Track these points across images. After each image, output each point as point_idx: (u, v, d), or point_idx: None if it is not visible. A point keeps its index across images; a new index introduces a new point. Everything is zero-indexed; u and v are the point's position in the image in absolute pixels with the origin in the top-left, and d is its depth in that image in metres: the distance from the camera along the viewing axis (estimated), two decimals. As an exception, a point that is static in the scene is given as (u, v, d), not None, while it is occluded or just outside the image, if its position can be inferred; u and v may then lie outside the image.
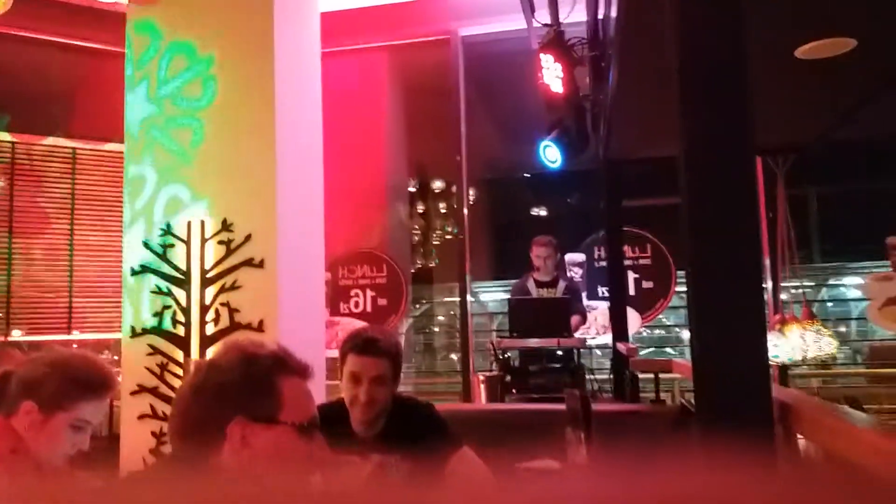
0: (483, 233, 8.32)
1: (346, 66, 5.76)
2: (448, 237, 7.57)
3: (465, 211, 5.19)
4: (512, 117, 6.48)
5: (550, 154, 3.59)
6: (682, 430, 2.25)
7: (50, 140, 5.12)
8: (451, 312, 9.51)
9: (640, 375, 3.41)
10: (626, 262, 4.63)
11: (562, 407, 2.72)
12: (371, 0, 5.76)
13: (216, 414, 1.01)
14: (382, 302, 5.31)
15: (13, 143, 5.05)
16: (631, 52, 2.96)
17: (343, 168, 5.13)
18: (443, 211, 7.49)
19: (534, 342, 3.63)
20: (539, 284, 4.31)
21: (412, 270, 6.93)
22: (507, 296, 8.98)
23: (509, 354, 3.81)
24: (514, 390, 3.68)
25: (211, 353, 3.88)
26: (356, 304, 5.31)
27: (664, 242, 5.17)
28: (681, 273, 5.82)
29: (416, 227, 7.27)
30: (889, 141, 5.79)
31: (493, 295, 9.68)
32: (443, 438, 1.92)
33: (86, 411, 1.52)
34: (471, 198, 5.69)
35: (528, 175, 7.99)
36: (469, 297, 5.28)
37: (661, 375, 3.04)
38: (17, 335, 4.75)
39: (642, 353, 5.83)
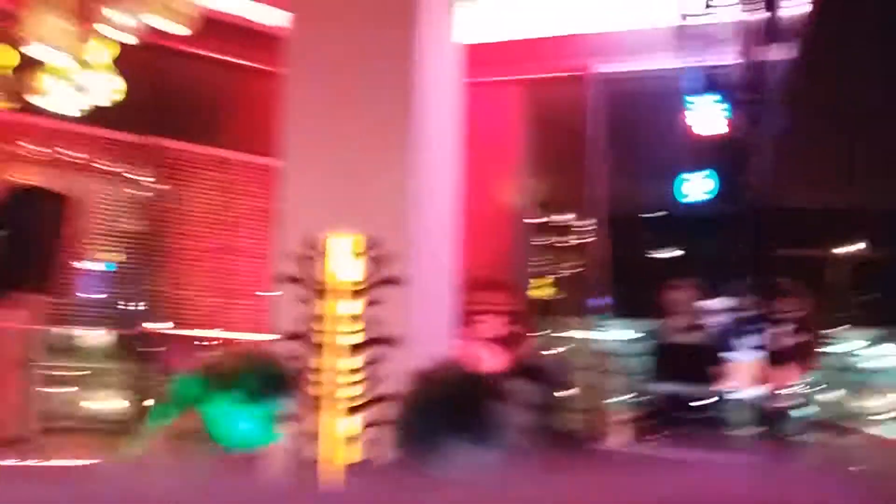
0: (606, 271, 8.15)
1: (480, 98, 5.86)
2: (570, 271, 7.47)
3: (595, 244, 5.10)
4: (644, 156, 6.37)
5: (690, 189, 3.48)
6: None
7: (209, 150, 5.50)
8: (566, 348, 9.28)
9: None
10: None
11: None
12: (508, 34, 5.86)
13: (433, 429, 1.09)
14: (509, 330, 5.28)
15: (178, 150, 5.45)
16: (805, 96, 2.84)
17: (473, 196, 5.19)
18: (566, 244, 7.42)
19: (678, 387, 3.50)
20: (677, 331, 4.16)
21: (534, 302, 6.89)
22: (624, 335, 8.72)
23: (651, 401, 3.69)
24: (656, 436, 3.55)
25: (347, 361, 3.99)
26: (482, 330, 5.31)
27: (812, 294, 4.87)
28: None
29: (540, 258, 7.24)
30: None
31: (615, 333, 9.39)
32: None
33: (274, 406, 1.59)
34: (594, 232, 5.62)
35: (660, 214, 7.78)
36: (595, 334, 5.16)
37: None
38: (164, 327, 5.05)
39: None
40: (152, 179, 5.38)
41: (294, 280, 4.16)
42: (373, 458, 3.40)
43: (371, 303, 4.04)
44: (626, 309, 7.03)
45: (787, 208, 4.05)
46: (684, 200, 3.73)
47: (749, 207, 4.13)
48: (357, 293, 4.05)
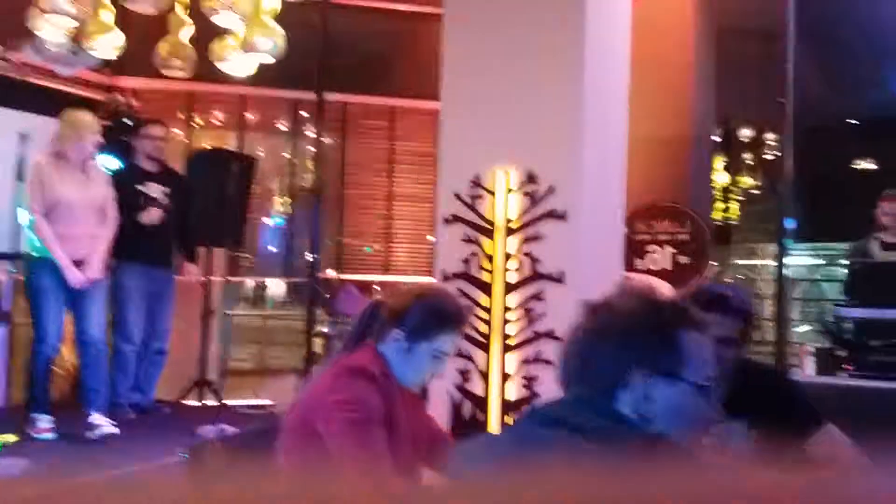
0: (794, 188, 7.43)
1: (652, 4, 5.40)
2: (753, 192, 6.89)
3: (789, 160, 4.62)
4: (840, 59, 5.61)
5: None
6: None
7: (373, 99, 5.64)
8: (748, 276, 8.72)
9: None
10: None
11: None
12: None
13: (619, 361, 0.97)
14: (683, 260, 5.00)
15: (344, 103, 5.65)
16: None
17: (646, 115, 4.86)
18: (749, 162, 6.82)
19: (879, 312, 3.12)
20: (886, 246, 3.68)
21: (712, 227, 6.45)
22: (818, 260, 7.95)
23: (844, 326, 3.33)
24: (847, 366, 3.21)
25: (512, 298, 3.99)
26: (653, 261, 5.07)
27: None
28: None
29: (720, 178, 6.72)
30: None
31: (797, 259, 8.66)
32: (801, 411, 1.70)
33: (446, 343, 1.60)
34: (783, 147, 5.06)
35: (857, 122, 6.90)
36: (784, 260, 4.72)
37: None
38: (331, 273, 5.34)
39: None
40: (322, 134, 5.66)
41: (458, 220, 4.21)
42: (535, 396, 3.40)
43: (535, 238, 3.99)
44: (820, 230, 6.37)
45: None
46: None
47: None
48: (521, 229, 4.02)
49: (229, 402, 4.80)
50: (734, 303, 1.73)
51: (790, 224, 4.72)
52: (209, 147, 5.39)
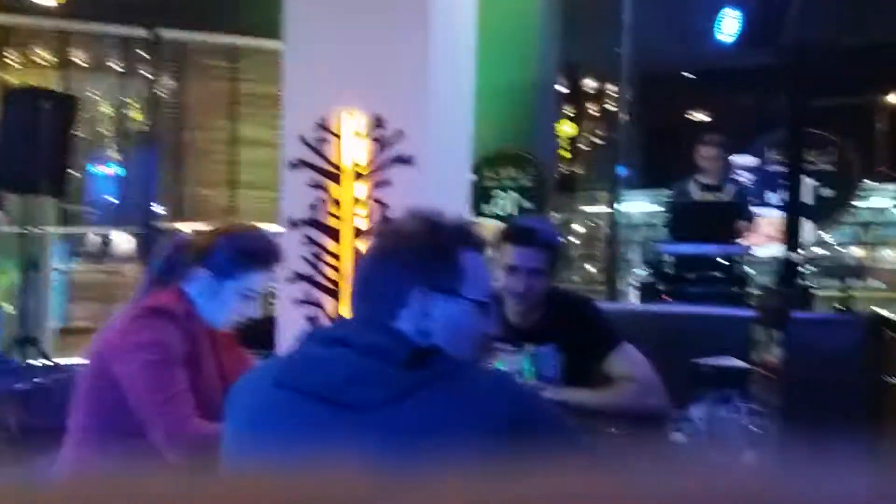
0: (635, 138, 7.86)
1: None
2: (596, 142, 7.22)
3: (623, 110, 4.86)
4: (676, 9, 5.91)
5: (728, 26, 3.19)
6: (876, 340, 2.01)
7: (214, 37, 5.31)
8: (591, 223, 9.20)
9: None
10: (806, 168, 4.16)
11: (729, 313, 2.52)
12: None
13: (399, 280, 0.97)
14: (527, 205, 5.18)
15: (183, 43, 5.28)
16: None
17: (492, 62, 4.92)
18: (594, 114, 7.13)
19: (694, 247, 3.39)
20: (703, 187, 3.98)
21: (556, 176, 6.71)
22: (656, 207, 8.51)
23: (665, 260, 3.59)
24: (666, 297, 3.48)
25: (361, 244, 3.97)
26: (499, 207, 5.22)
27: (851, 146, 4.58)
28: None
29: (565, 127, 6.97)
30: None
31: (639, 206, 9.22)
32: (602, 332, 1.82)
33: (255, 282, 1.55)
34: (627, 97, 5.32)
35: (693, 76, 7.37)
36: (616, 205, 5.01)
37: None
38: (180, 226, 5.08)
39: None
40: (158, 74, 5.27)
41: (304, 164, 4.09)
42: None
43: (383, 184, 3.96)
44: (657, 178, 6.81)
45: (828, 47, 3.72)
46: (720, 33, 3.41)
47: (785, 51, 3.81)
48: (369, 174, 3.98)
49: (62, 361, 4.48)
50: (542, 236, 1.81)
51: (623, 172, 4.99)
52: (18, 86, 4.88)
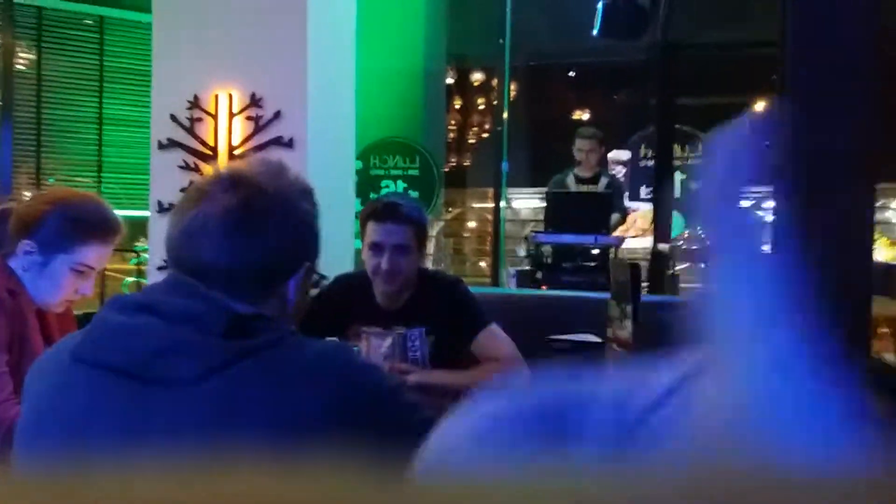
0: (521, 135, 8.02)
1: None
2: (485, 136, 7.30)
3: (506, 101, 4.92)
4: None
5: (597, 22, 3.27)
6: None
7: (78, 6, 4.92)
8: (484, 218, 9.33)
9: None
10: (675, 163, 4.37)
11: (595, 296, 2.59)
12: None
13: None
14: (414, 194, 5.15)
15: (39, 8, 4.86)
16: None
17: (377, 50, 4.85)
18: (481, 107, 7.19)
19: (570, 238, 3.47)
20: (579, 180, 4.10)
21: (445, 170, 6.72)
22: (542, 203, 8.74)
23: (543, 250, 3.66)
24: (543, 286, 3.54)
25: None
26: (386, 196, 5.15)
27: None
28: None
29: (453, 122, 7.00)
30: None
31: (527, 202, 9.44)
32: (470, 314, 1.80)
33: (89, 256, 1.41)
34: (511, 92, 5.39)
35: (574, 73, 7.59)
36: (503, 203, 5.10)
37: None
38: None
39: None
40: (12, 44, 4.83)
41: (175, 144, 3.87)
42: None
43: (261, 167, 3.81)
44: (543, 173, 6.97)
45: (695, 45, 3.91)
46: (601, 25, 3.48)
47: (658, 49, 3.96)
48: (243, 155, 3.81)
49: None
50: (405, 211, 1.77)
51: (506, 168, 5.06)
52: None
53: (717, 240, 0.33)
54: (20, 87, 4.84)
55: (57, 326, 1.48)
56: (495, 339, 1.75)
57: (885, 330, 2.61)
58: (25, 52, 4.90)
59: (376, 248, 1.77)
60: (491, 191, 8.31)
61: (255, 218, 0.84)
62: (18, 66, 4.87)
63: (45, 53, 4.86)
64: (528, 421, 0.37)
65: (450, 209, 8.59)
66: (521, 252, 6.31)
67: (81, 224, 1.39)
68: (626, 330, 1.29)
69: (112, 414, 0.77)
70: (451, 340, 1.80)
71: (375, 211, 1.80)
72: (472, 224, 9.35)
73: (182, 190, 3.86)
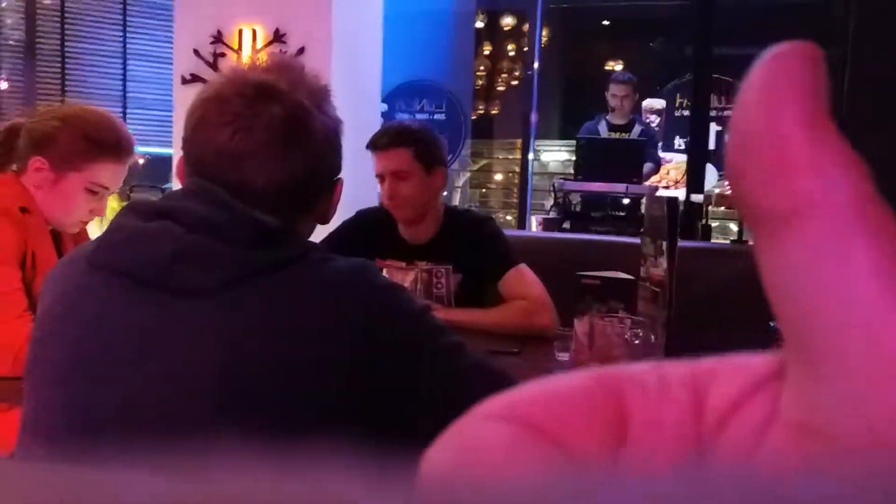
0: (551, 85, 7.81)
1: None
2: (513, 83, 7.11)
3: (537, 47, 4.76)
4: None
5: None
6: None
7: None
8: (510, 171, 9.19)
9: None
10: (711, 113, 4.21)
11: (625, 240, 2.51)
12: None
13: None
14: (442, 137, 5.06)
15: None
16: None
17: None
18: (510, 53, 6.98)
19: (600, 186, 3.36)
20: (612, 127, 3.97)
21: (473, 117, 6.59)
22: (571, 155, 8.56)
23: (570, 199, 3.56)
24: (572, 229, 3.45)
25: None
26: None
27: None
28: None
29: (481, 68, 6.82)
30: None
31: (556, 154, 9.27)
32: (499, 252, 1.73)
33: (102, 175, 1.36)
34: (543, 38, 5.21)
35: (608, 21, 7.33)
36: (530, 154, 4.98)
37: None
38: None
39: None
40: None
41: (198, 79, 3.80)
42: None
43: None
44: (573, 124, 6.80)
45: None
46: None
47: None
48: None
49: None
50: (399, 134, 1.71)
51: (535, 119, 4.93)
52: None
53: None
54: (43, 21, 4.78)
55: (72, 247, 1.43)
56: (523, 278, 1.69)
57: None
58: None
59: (379, 178, 1.72)
60: (518, 142, 8.17)
61: (299, 134, 0.80)
62: (42, 0, 4.81)
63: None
64: None
65: (475, 160, 8.46)
66: (549, 203, 6.22)
67: (95, 141, 1.33)
68: (660, 268, 1.21)
69: (126, 320, 0.73)
70: (477, 278, 1.74)
71: (372, 141, 1.74)
72: (498, 177, 9.22)
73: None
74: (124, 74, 4.83)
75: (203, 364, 0.69)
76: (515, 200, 8.36)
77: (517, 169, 9.15)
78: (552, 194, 3.75)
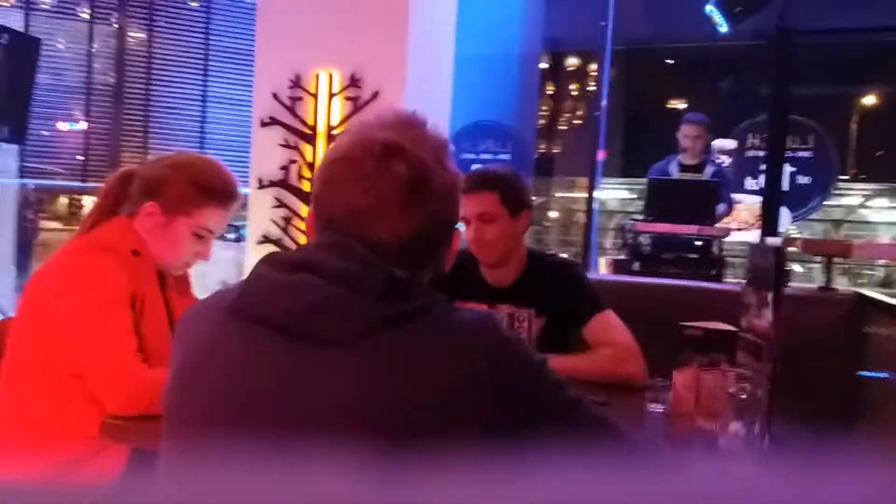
0: (613, 123, 7.81)
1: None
2: (576, 122, 7.14)
3: (605, 88, 4.78)
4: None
5: (716, 18, 3.12)
6: (860, 318, 1.96)
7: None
8: (566, 207, 9.14)
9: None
10: (786, 154, 4.13)
11: (706, 285, 2.47)
12: None
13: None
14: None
15: (152, -10, 5.05)
16: None
17: (473, 32, 4.79)
18: (574, 93, 7.03)
19: (671, 227, 3.32)
20: (683, 168, 3.93)
21: (535, 156, 6.62)
22: (631, 194, 8.47)
23: (640, 240, 3.52)
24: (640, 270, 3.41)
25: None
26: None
27: (831, 135, 4.57)
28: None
29: (544, 107, 6.87)
30: None
31: (615, 193, 9.19)
32: (584, 297, 1.73)
33: (209, 219, 1.42)
34: (608, 77, 5.22)
35: (673, 60, 7.31)
36: (596, 192, 4.96)
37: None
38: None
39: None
40: (125, 24, 5.04)
41: (276, 122, 3.95)
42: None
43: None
44: (635, 165, 6.76)
45: (814, 31, 3.66)
46: (714, 18, 3.35)
47: (773, 33, 3.74)
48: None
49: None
50: (485, 178, 1.73)
51: (601, 158, 4.92)
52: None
53: None
54: (131, 66, 5.05)
55: (175, 289, 1.50)
56: (610, 324, 1.68)
57: None
58: (136, 32, 5.10)
59: (465, 221, 1.74)
60: (576, 180, 8.14)
61: (423, 190, 0.83)
62: (130, 46, 5.09)
63: (155, 33, 5.05)
64: None
65: (534, 197, 8.48)
66: (609, 244, 6.14)
67: (203, 187, 1.40)
68: (764, 319, 1.19)
69: (270, 368, 0.76)
70: (560, 323, 1.74)
71: (474, 180, 1.76)
72: (553, 214, 9.18)
73: (282, 168, 3.96)
74: (203, 117, 5.05)
75: (338, 410, 0.72)
76: (572, 238, 8.29)
77: (574, 207, 9.10)
78: (621, 234, 3.72)
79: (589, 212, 4.93)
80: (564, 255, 2.01)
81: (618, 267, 3.46)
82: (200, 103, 5.04)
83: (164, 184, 1.39)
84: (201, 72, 5.04)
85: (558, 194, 8.94)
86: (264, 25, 4.03)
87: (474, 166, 5.20)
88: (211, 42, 5.05)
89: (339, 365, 0.74)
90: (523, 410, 0.76)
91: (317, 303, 0.75)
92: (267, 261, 0.82)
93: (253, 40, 4.14)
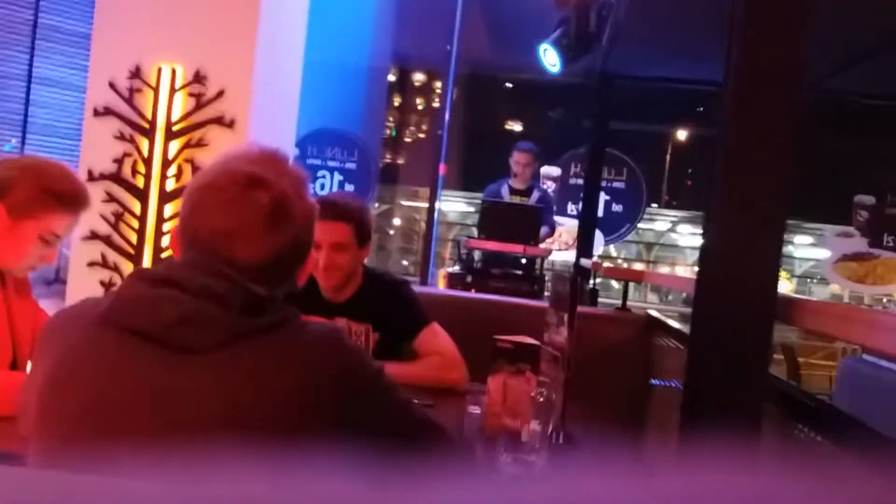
0: (454, 139, 8.18)
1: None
2: (421, 136, 7.41)
3: (448, 106, 5.04)
4: (509, 14, 6.21)
5: (550, 58, 3.46)
6: (650, 335, 2.30)
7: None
8: (410, 216, 9.40)
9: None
10: (601, 184, 4.62)
11: (528, 301, 2.74)
12: None
13: None
14: (350, 187, 5.20)
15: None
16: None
17: (323, 41, 4.87)
18: (419, 107, 7.29)
19: (500, 245, 3.62)
20: (513, 191, 4.27)
21: (380, 164, 6.79)
22: (469, 207, 8.90)
23: (474, 255, 3.80)
24: (473, 290, 3.69)
25: (170, 207, 3.76)
26: (322, 186, 5.18)
27: (641, 170, 5.17)
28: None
29: (391, 119, 7.07)
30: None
31: (455, 205, 9.57)
32: (413, 314, 1.90)
33: (58, 225, 1.42)
34: (447, 95, 5.51)
35: (511, 84, 7.80)
36: (437, 204, 5.21)
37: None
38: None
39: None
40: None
41: (111, 113, 3.77)
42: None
43: (199, 145, 3.78)
44: (474, 178, 7.14)
45: (631, 77, 4.15)
46: (544, 63, 3.68)
47: (597, 76, 4.18)
48: (184, 133, 3.76)
49: None
50: (345, 209, 1.82)
51: (443, 171, 5.18)
52: None
53: None
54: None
55: (15, 290, 1.48)
56: (436, 336, 1.86)
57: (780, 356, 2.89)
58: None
59: (316, 246, 1.84)
60: (420, 190, 8.42)
61: (284, 218, 0.94)
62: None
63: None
64: None
65: (378, 204, 8.64)
66: (448, 254, 6.45)
67: (56, 194, 1.40)
68: (561, 336, 1.43)
69: (138, 374, 0.84)
70: (393, 337, 1.90)
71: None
72: (397, 221, 9.40)
73: (116, 161, 3.79)
74: (27, 98, 4.69)
75: (204, 413, 0.82)
76: (414, 247, 8.54)
77: (416, 216, 9.37)
78: (456, 249, 3.98)
79: (430, 223, 5.15)
80: (395, 276, 2.15)
81: (452, 279, 3.71)
82: (23, 83, 4.68)
83: (12, 186, 1.37)
84: (27, 50, 4.67)
85: (402, 202, 9.17)
86: (105, 8, 3.85)
87: (321, 174, 5.26)
88: (40, 19, 4.70)
89: (204, 372, 0.83)
90: (365, 409, 0.91)
91: (183, 315, 0.84)
92: (136, 275, 0.89)
93: (90, 22, 3.92)
